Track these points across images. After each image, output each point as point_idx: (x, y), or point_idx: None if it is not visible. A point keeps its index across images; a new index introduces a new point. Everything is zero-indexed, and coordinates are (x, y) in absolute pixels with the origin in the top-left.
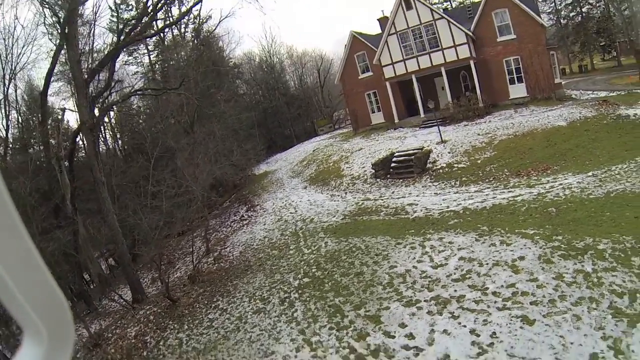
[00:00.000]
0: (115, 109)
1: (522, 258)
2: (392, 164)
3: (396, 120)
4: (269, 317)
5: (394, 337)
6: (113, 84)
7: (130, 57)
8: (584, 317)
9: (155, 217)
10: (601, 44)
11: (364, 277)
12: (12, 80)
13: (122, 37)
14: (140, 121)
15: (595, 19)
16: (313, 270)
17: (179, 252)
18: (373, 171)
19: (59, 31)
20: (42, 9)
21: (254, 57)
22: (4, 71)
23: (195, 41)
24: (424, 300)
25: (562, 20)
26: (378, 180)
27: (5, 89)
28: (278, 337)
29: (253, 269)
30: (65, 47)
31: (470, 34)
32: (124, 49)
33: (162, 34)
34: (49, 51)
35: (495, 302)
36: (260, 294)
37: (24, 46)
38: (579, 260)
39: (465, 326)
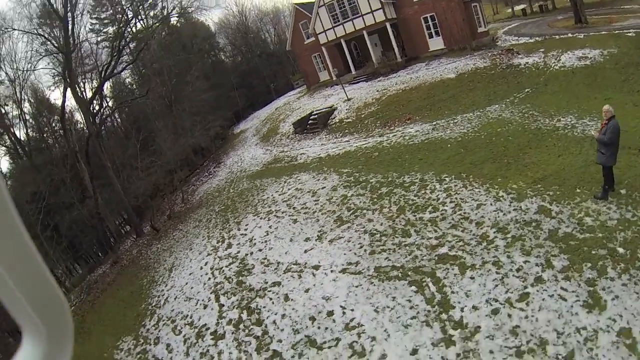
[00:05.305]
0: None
1: (323, 187)
2: (309, 122)
3: (334, 79)
4: (199, 228)
5: (239, 230)
6: (105, 104)
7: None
8: (321, 220)
9: (144, 184)
10: None
11: (248, 202)
12: (23, 91)
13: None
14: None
15: None
16: (228, 202)
17: (170, 203)
18: (293, 129)
19: (62, 75)
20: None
21: (230, 23)
22: (14, 88)
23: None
24: (262, 212)
25: None
26: (296, 135)
27: (19, 101)
28: (199, 236)
29: (201, 205)
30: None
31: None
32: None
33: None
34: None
35: (290, 212)
36: (199, 218)
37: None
38: (351, 189)
39: (268, 224)
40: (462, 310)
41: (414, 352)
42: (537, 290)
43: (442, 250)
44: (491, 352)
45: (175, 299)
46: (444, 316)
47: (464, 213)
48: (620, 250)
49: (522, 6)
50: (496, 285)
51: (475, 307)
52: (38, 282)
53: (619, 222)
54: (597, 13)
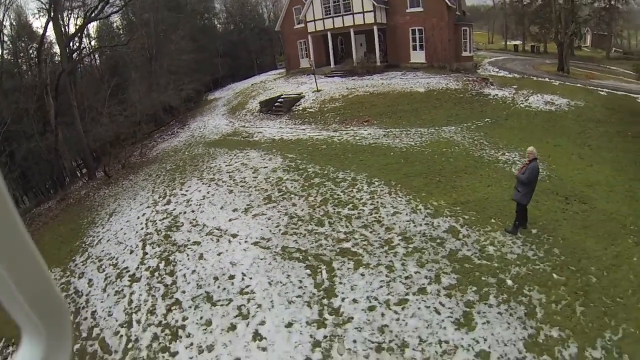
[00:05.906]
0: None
1: (265, 167)
2: (276, 103)
3: (313, 68)
4: (147, 182)
5: (181, 190)
6: (83, 45)
7: None
8: (252, 195)
9: (106, 130)
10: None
11: (197, 167)
12: (6, 13)
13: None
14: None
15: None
16: (180, 162)
17: (127, 154)
18: (259, 107)
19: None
20: None
21: None
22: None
23: None
24: (206, 179)
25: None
26: (261, 114)
27: (0, 23)
28: (145, 188)
29: (155, 161)
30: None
31: (376, 3)
32: None
33: None
34: None
35: (229, 183)
36: (149, 172)
37: None
38: (289, 173)
39: (207, 189)
40: (343, 300)
41: (289, 325)
42: (417, 299)
43: (346, 244)
44: (354, 341)
45: (107, 241)
46: (325, 301)
47: (379, 217)
48: (509, 282)
49: (516, 42)
50: (381, 286)
51: (355, 300)
52: (38, 282)
53: (518, 257)
54: (583, 67)
